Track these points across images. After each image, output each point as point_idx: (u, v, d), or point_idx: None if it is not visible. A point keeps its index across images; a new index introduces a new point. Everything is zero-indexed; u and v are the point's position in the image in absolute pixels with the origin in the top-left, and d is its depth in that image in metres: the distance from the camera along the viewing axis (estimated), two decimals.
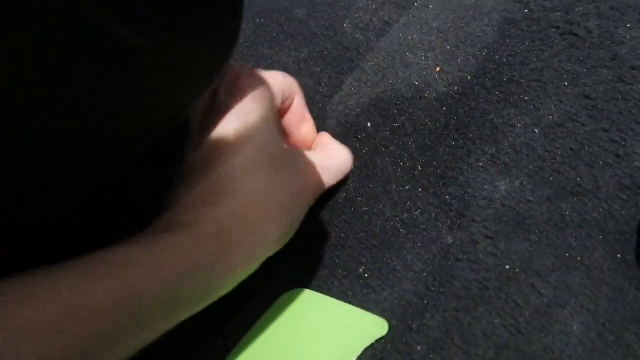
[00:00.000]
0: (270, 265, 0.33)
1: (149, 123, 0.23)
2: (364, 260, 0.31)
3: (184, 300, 0.22)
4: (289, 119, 0.33)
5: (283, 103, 0.32)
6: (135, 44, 0.19)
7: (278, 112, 0.31)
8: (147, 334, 0.21)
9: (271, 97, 0.29)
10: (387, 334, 0.27)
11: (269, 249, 0.27)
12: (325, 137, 0.34)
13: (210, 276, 0.23)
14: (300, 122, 0.34)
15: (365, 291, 0.30)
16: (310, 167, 0.29)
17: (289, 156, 0.28)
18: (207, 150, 0.26)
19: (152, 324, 0.21)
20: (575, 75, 0.32)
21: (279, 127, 0.29)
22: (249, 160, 0.25)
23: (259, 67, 0.39)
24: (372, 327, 0.28)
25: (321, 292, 0.31)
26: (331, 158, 0.32)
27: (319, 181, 0.30)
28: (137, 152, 0.24)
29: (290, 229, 0.28)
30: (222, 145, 0.26)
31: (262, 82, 0.29)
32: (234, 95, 0.28)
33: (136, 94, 0.22)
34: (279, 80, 0.31)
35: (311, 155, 0.31)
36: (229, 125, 0.26)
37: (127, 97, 0.21)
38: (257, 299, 0.32)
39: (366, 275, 0.30)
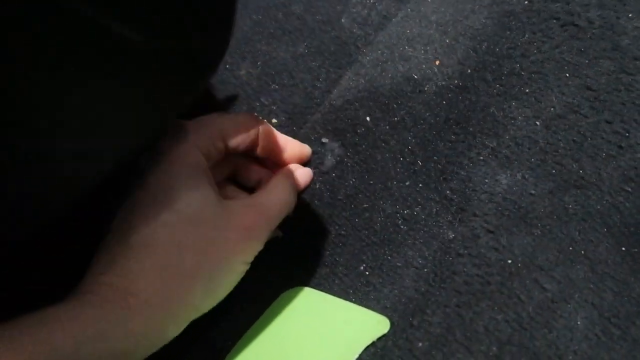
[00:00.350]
0: (269, 264, 0.33)
1: (135, 129, 0.23)
2: (364, 257, 0.31)
3: None
4: (266, 151, 0.32)
5: (230, 144, 0.30)
6: (127, 37, 0.19)
7: (219, 156, 0.29)
8: None
9: (194, 151, 0.27)
10: (388, 331, 0.27)
11: (193, 308, 0.25)
12: (279, 176, 0.32)
13: (118, 341, 0.22)
14: (278, 152, 0.32)
15: (366, 289, 0.29)
16: (241, 219, 0.27)
17: (215, 212, 0.26)
18: (127, 212, 0.26)
19: None
20: (577, 67, 0.31)
21: (210, 182, 0.27)
22: (165, 226, 0.24)
23: (256, 63, 0.39)
24: (374, 325, 0.28)
25: (322, 290, 0.31)
26: (273, 199, 0.29)
27: (253, 233, 0.27)
28: (119, 162, 0.24)
29: (217, 287, 0.26)
30: (140, 209, 0.25)
31: (184, 139, 0.27)
32: (157, 158, 0.27)
33: (127, 92, 0.21)
34: (211, 128, 0.29)
35: (251, 199, 0.29)
36: (148, 194, 0.25)
37: (118, 96, 0.21)
38: (257, 298, 0.32)
39: (367, 273, 0.30)
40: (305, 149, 0.34)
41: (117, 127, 0.22)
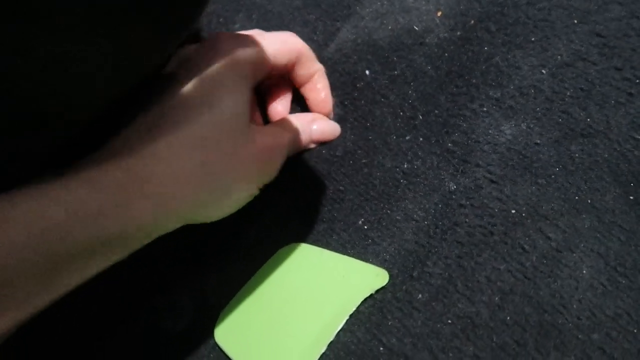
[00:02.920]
0: (267, 221, 0.32)
1: (114, 75, 0.22)
2: (363, 212, 0.30)
3: (84, 244, 0.21)
4: (308, 88, 0.32)
5: (275, 61, 0.29)
6: None
7: (264, 74, 0.29)
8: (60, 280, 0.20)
9: (250, 62, 0.27)
10: (387, 283, 0.26)
11: (200, 208, 0.25)
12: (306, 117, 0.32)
13: (107, 226, 0.21)
14: (318, 90, 0.32)
15: (365, 242, 0.29)
16: (263, 140, 0.27)
17: (245, 126, 0.26)
18: (157, 113, 0.25)
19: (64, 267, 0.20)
20: (585, 13, 0.30)
21: (249, 98, 0.27)
22: (190, 135, 0.24)
23: (251, 16, 0.37)
24: (372, 277, 0.27)
25: (319, 246, 0.30)
26: (289, 128, 0.30)
27: (271, 155, 0.28)
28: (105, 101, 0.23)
29: (227, 197, 0.26)
30: (174, 111, 0.24)
31: (244, 44, 0.27)
32: (208, 55, 0.26)
33: (108, 34, 0.20)
34: (272, 41, 0.29)
35: (270, 127, 0.29)
36: (188, 92, 0.25)
37: (102, 39, 0.20)
38: (254, 254, 0.31)
39: (365, 227, 0.29)
40: (329, 96, 0.34)
41: (93, 72, 0.21)
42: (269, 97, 0.34)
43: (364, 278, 0.27)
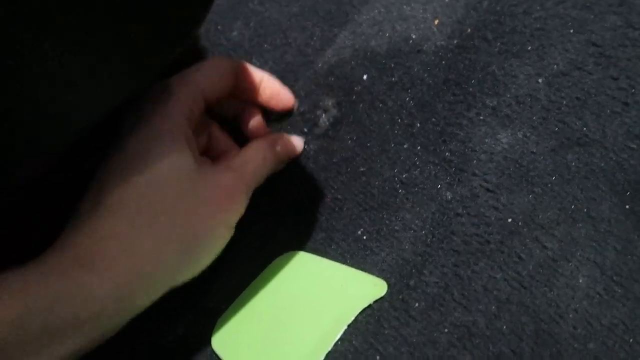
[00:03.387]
0: (264, 229, 0.32)
1: (115, 86, 0.22)
2: (362, 222, 0.30)
3: (48, 332, 0.20)
4: (241, 90, 0.31)
5: (210, 95, 0.29)
6: None
7: (200, 112, 0.28)
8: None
9: (175, 114, 0.26)
10: (385, 293, 0.26)
11: (167, 275, 0.24)
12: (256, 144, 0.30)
13: (78, 307, 0.21)
14: (253, 88, 0.31)
15: (364, 253, 0.29)
16: (219, 182, 0.26)
17: (192, 177, 0.25)
18: (102, 172, 0.24)
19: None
20: (581, 22, 0.30)
21: (187, 146, 0.25)
22: (134, 196, 0.23)
23: (248, 24, 0.38)
24: (370, 287, 0.27)
25: (318, 255, 0.30)
26: (249, 160, 0.29)
27: (232, 195, 0.27)
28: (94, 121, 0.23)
29: (196, 253, 0.25)
30: (112, 172, 0.24)
31: (165, 100, 0.26)
32: (143, 113, 0.26)
33: (107, 46, 0.20)
34: (190, 86, 0.27)
35: (227, 162, 0.28)
36: (126, 155, 0.24)
37: (97, 51, 0.20)
38: (251, 263, 0.31)
39: (364, 238, 0.29)
40: (285, 92, 0.33)
41: (96, 83, 0.21)
42: (241, 118, 0.33)
43: (363, 288, 0.27)
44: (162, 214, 0.23)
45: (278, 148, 0.30)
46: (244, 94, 0.31)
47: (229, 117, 0.33)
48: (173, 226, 0.23)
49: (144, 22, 0.21)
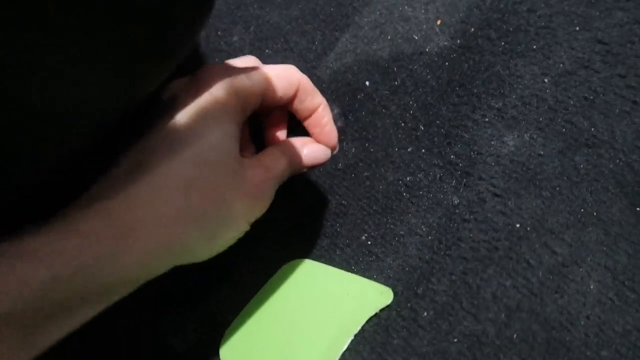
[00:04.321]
0: (270, 236, 0.32)
1: (113, 94, 0.22)
2: (366, 227, 0.29)
3: (71, 298, 0.20)
4: (311, 123, 0.30)
5: (270, 99, 0.28)
6: None
7: (254, 108, 0.28)
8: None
9: (238, 96, 0.26)
10: (391, 302, 0.26)
11: (188, 251, 0.24)
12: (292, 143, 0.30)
13: (103, 276, 0.21)
14: (322, 125, 0.30)
15: (369, 259, 0.28)
16: (251, 177, 0.26)
17: (233, 166, 0.25)
18: (140, 150, 0.24)
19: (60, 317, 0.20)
20: (587, 19, 0.29)
21: (237, 132, 0.26)
22: (178, 170, 0.23)
23: (249, 28, 0.37)
24: (376, 296, 0.27)
25: (323, 261, 0.30)
26: (278, 158, 0.28)
27: (261, 191, 0.27)
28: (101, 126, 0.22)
29: (217, 238, 0.25)
30: (156, 147, 0.24)
31: (231, 76, 0.26)
32: (193, 89, 0.25)
33: (105, 53, 0.20)
34: (267, 74, 0.27)
35: (258, 159, 0.27)
36: (170, 129, 0.24)
37: (96, 59, 0.20)
38: (257, 270, 0.31)
39: (369, 243, 0.29)
40: (333, 131, 0.31)
41: (98, 87, 0.21)
42: (266, 126, 0.32)
43: (369, 296, 0.27)
44: (198, 194, 0.23)
45: (305, 151, 0.30)
46: (296, 111, 0.30)
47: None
48: (204, 208, 0.24)
49: (144, 23, 0.21)
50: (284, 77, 0.28)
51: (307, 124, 0.31)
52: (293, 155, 0.29)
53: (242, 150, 0.30)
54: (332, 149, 0.31)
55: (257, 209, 0.27)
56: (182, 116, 0.24)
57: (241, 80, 0.26)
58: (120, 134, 0.24)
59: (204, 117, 0.24)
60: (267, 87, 0.27)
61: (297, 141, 0.30)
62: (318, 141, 0.31)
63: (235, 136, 0.25)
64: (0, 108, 0.18)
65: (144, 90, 0.24)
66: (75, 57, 0.19)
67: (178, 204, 0.23)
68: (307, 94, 0.30)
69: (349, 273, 0.28)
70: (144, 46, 0.21)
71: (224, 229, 0.25)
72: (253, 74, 0.27)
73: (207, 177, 0.24)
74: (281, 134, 0.32)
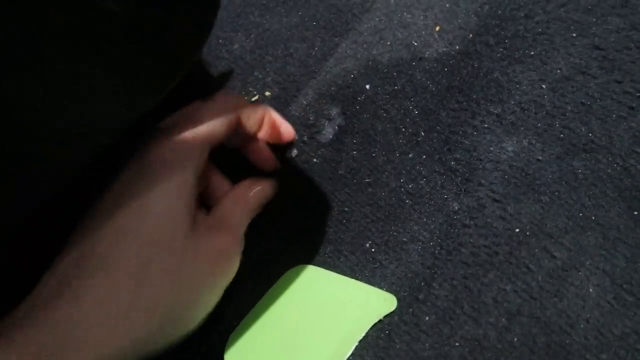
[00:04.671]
0: (272, 243, 0.32)
1: (117, 107, 0.22)
2: (369, 234, 0.30)
3: None
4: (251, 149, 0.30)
5: (217, 140, 0.27)
6: (110, 8, 0.18)
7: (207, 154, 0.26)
8: None
9: (184, 171, 0.24)
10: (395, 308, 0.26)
11: (150, 343, 0.22)
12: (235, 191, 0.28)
13: None
14: (257, 124, 0.29)
15: (373, 266, 0.29)
16: (210, 244, 0.24)
17: (185, 243, 0.23)
18: (87, 225, 0.22)
19: None
20: (584, 25, 0.30)
21: (191, 186, 0.24)
22: (129, 248, 0.21)
23: (249, 35, 0.37)
24: (380, 302, 0.27)
25: (327, 268, 0.30)
26: (234, 210, 0.27)
27: (225, 254, 0.25)
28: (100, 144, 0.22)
29: (185, 319, 0.23)
30: (103, 224, 0.22)
31: (174, 151, 0.24)
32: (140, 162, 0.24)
33: (110, 67, 0.20)
34: (222, 117, 0.26)
35: (212, 218, 0.26)
36: (119, 208, 0.22)
37: (102, 72, 0.20)
38: (261, 278, 0.31)
39: (373, 250, 0.29)
40: (287, 126, 0.32)
41: (100, 103, 0.21)
42: (247, 151, 0.31)
43: (372, 303, 0.27)
44: (152, 280, 0.21)
45: (250, 194, 0.28)
46: (246, 131, 0.30)
47: (232, 148, 0.33)
48: (162, 294, 0.22)
49: (144, 50, 0.21)
50: (219, 115, 0.27)
51: (262, 135, 0.30)
52: (244, 202, 0.27)
53: (214, 200, 0.28)
54: (294, 139, 0.31)
55: (225, 278, 0.25)
56: (131, 189, 0.23)
57: (189, 151, 0.25)
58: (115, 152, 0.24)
59: (153, 198, 0.22)
60: (210, 137, 0.26)
61: (243, 186, 0.28)
62: (279, 142, 0.32)
63: (188, 214, 0.23)
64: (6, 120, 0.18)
65: (143, 107, 0.25)
66: (81, 73, 0.19)
67: (126, 295, 0.21)
68: (249, 111, 0.29)
69: (353, 279, 0.29)
70: (145, 71, 0.22)
71: (194, 309, 0.23)
72: (192, 134, 0.25)
73: (159, 263, 0.22)
74: (267, 159, 0.32)
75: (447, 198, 0.29)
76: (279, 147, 0.34)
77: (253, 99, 0.35)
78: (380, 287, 0.27)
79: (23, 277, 0.28)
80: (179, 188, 0.23)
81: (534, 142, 0.28)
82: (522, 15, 0.32)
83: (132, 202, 0.22)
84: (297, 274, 0.30)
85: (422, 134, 0.32)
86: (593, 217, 0.25)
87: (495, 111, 0.30)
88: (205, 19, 0.24)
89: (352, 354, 0.26)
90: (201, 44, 0.24)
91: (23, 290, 0.22)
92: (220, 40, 0.37)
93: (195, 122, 0.26)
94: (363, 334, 0.26)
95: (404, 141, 0.32)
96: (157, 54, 0.22)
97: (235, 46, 0.37)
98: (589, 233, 0.25)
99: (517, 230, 0.26)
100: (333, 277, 0.29)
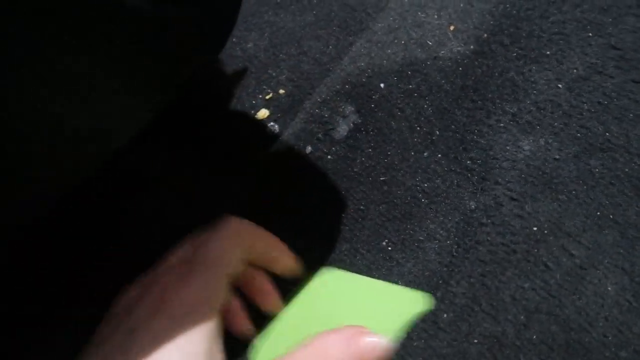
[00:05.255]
0: (289, 242, 0.32)
1: (139, 101, 0.22)
2: (386, 233, 0.30)
3: None
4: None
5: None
6: (131, 4, 0.18)
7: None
8: None
9: (208, 311, 0.22)
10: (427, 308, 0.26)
11: None
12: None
13: None
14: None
15: (389, 264, 0.29)
16: None
17: None
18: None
19: None
20: (600, 26, 0.30)
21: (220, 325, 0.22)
22: None
23: (263, 34, 0.38)
24: (409, 303, 0.26)
25: (344, 266, 0.30)
26: None
27: None
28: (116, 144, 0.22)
29: None
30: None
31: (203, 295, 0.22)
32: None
33: (130, 63, 0.20)
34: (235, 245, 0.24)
35: None
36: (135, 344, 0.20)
37: (120, 68, 0.20)
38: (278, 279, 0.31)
39: (389, 249, 0.29)
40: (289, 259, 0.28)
41: (121, 100, 0.21)
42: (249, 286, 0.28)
43: (402, 304, 0.27)
44: None
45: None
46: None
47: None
48: None
49: (168, 45, 0.21)
50: (239, 246, 0.24)
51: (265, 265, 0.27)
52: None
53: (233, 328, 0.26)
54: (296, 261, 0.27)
55: None
56: (154, 326, 0.21)
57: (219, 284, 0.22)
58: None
59: (170, 326, 0.21)
60: (234, 271, 0.24)
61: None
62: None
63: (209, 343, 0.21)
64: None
65: (152, 107, 0.25)
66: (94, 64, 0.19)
67: None
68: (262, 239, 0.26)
69: (380, 281, 0.28)
70: (146, 71, 0.22)
71: None
72: (218, 271, 0.23)
73: None
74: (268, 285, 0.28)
75: (463, 196, 0.29)
76: (291, 153, 0.34)
77: (267, 96, 0.36)
78: (405, 287, 0.27)
79: (23, 277, 0.28)
80: (202, 338, 0.21)
81: (550, 141, 0.28)
82: (537, 15, 0.32)
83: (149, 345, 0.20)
84: (324, 279, 0.30)
85: (437, 132, 0.32)
86: (611, 216, 0.25)
87: (511, 110, 0.30)
88: (226, 19, 0.24)
89: None
90: (223, 41, 0.24)
91: (23, 290, 0.21)
92: (234, 39, 0.38)
93: (214, 258, 0.23)
94: (396, 335, 0.25)
95: (419, 140, 0.32)
96: (157, 54, 0.22)
97: (249, 45, 0.37)
98: (606, 231, 0.25)
99: (534, 228, 0.26)
100: (360, 280, 0.29)
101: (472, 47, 0.33)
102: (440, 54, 0.34)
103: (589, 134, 0.28)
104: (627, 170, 0.26)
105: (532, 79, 0.30)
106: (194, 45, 0.23)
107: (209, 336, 0.22)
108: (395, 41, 0.35)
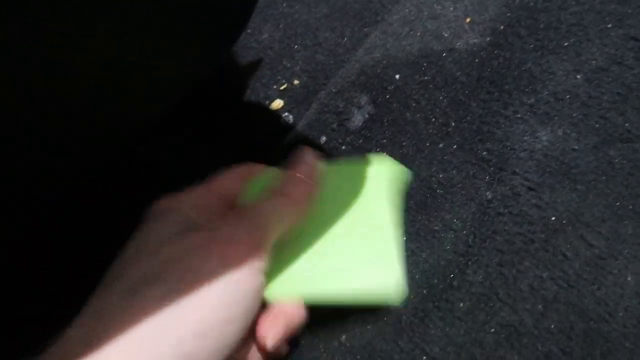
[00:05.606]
0: None
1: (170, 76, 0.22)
2: (401, 223, 0.30)
3: None
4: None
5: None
6: None
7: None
8: None
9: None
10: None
11: None
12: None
13: None
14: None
15: (405, 254, 0.29)
16: None
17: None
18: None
19: None
20: (619, 16, 0.30)
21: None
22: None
23: (278, 26, 0.38)
24: (391, 171, 0.25)
25: None
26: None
27: None
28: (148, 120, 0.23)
29: None
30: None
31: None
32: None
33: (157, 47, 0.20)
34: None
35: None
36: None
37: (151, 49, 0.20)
38: None
39: (404, 239, 0.29)
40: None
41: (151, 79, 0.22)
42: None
43: (384, 175, 0.25)
44: None
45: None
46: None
47: None
48: None
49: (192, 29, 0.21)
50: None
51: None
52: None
53: None
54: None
55: None
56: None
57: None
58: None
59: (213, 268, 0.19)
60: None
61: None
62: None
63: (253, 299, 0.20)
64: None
65: (201, 69, 0.24)
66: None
67: None
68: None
69: (356, 160, 0.26)
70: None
71: None
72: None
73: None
74: None
75: (479, 187, 0.29)
76: (306, 138, 0.34)
77: (282, 87, 0.36)
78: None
79: (23, 277, 0.28)
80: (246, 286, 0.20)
81: (569, 131, 0.28)
82: (555, 6, 0.32)
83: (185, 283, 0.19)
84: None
85: (453, 124, 0.31)
86: (630, 207, 0.25)
87: (529, 101, 0.30)
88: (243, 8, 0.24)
89: (386, 339, 0.26)
90: (238, 33, 0.24)
91: (23, 290, 0.21)
92: (248, 30, 0.38)
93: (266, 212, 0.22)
94: (389, 204, 0.24)
95: (434, 131, 0.32)
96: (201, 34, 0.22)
97: (264, 36, 0.37)
98: (626, 222, 0.25)
99: (553, 218, 0.26)
100: (336, 166, 0.26)
101: (488, 38, 0.33)
102: (456, 46, 0.34)
103: (608, 124, 0.27)
104: None
105: (550, 70, 0.30)
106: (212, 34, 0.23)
107: (261, 272, 0.20)
108: (411, 33, 0.35)
